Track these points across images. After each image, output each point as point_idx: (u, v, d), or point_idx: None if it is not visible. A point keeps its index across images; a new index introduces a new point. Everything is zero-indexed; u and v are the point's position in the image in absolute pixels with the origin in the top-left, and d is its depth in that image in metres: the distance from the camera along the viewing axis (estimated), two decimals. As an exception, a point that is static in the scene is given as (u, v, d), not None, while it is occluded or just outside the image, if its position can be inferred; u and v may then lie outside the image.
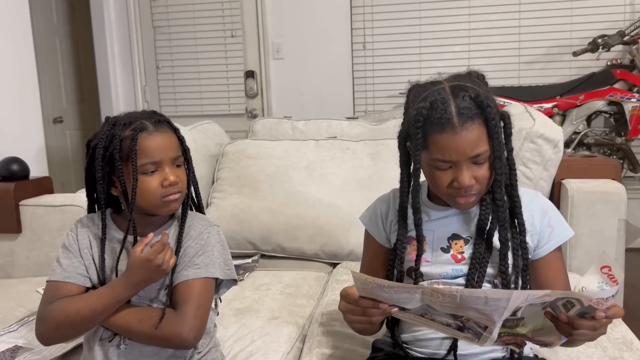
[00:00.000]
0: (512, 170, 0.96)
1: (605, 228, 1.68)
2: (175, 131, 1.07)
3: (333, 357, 1.22)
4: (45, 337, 1.03)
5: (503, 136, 0.93)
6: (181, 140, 1.07)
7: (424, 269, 1.00)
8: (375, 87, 3.73)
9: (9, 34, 2.37)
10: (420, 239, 0.99)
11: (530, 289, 0.99)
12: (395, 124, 2.10)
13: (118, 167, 1.00)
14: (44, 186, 2.02)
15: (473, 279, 0.96)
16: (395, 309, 0.83)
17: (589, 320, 0.80)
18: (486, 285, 0.98)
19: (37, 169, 2.34)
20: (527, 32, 3.49)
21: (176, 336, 0.99)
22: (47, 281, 1.06)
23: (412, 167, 0.98)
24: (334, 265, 1.88)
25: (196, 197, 1.16)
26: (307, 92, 3.76)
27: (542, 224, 1.01)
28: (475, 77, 0.96)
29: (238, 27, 3.79)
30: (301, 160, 1.99)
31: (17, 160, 1.98)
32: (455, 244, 1.00)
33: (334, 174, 1.94)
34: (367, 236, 1.14)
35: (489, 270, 0.98)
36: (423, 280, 1.01)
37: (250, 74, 3.82)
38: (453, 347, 0.98)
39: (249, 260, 1.89)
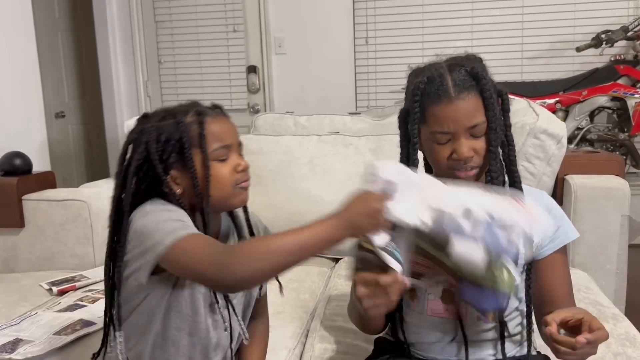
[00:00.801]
0: (510, 145, 0.96)
1: (609, 224, 1.67)
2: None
3: (336, 352, 1.22)
4: (246, 276, 0.78)
5: (500, 110, 0.94)
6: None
7: None
8: (378, 82, 3.72)
9: (12, 28, 2.37)
10: None
11: (531, 288, 0.99)
12: (396, 120, 2.09)
13: (188, 156, 0.88)
14: (47, 181, 2.02)
15: None
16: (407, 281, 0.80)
17: (569, 339, 0.79)
18: None
19: (40, 164, 2.34)
20: (530, 28, 3.47)
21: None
22: (184, 235, 0.82)
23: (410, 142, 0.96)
24: (337, 260, 1.88)
25: None
26: (309, 87, 3.76)
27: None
28: (472, 58, 0.96)
29: (240, 21, 3.78)
30: (304, 156, 1.98)
31: (20, 155, 1.98)
32: None
33: (337, 169, 1.94)
34: None
35: None
36: None
37: (252, 69, 3.82)
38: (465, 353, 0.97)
39: (252, 255, 1.89)
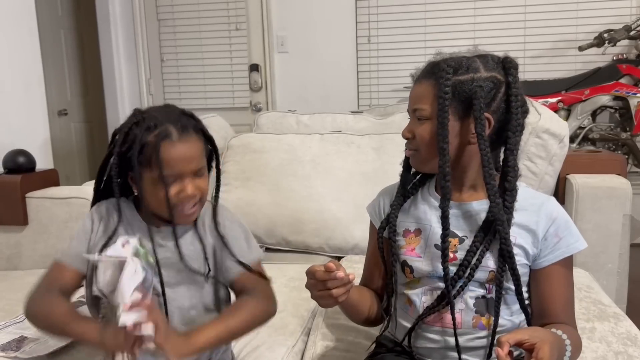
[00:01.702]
0: (508, 144, 0.94)
1: (610, 223, 1.68)
2: (204, 134, 1.00)
3: (337, 349, 1.23)
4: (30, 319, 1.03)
5: (456, 111, 0.92)
6: (210, 140, 1.02)
7: (414, 264, 0.99)
8: (380, 81, 3.72)
9: (15, 26, 2.37)
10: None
11: (530, 300, 0.97)
12: (400, 118, 2.10)
13: (136, 171, 0.94)
14: (50, 178, 2.03)
15: (461, 274, 0.93)
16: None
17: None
18: (475, 290, 0.95)
19: (43, 162, 2.35)
20: (532, 27, 3.47)
21: (265, 313, 1.04)
22: (54, 261, 1.04)
23: None
24: (339, 259, 1.88)
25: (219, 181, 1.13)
26: (311, 85, 3.76)
27: (548, 232, 0.94)
28: (490, 60, 0.94)
29: (243, 20, 3.78)
30: (306, 154, 1.99)
31: (23, 153, 1.99)
32: (450, 242, 0.96)
33: (339, 168, 1.95)
34: (371, 226, 1.14)
35: (480, 274, 0.94)
36: (413, 277, 0.99)
37: (254, 68, 3.82)
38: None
39: (254, 253, 1.90)
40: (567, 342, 0.87)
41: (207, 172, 1.03)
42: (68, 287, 1.03)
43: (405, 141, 1.00)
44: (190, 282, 1.03)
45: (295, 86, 3.80)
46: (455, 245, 0.96)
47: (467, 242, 0.95)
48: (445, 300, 0.94)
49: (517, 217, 0.94)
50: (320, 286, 0.89)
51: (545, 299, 0.95)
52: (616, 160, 1.85)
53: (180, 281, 1.03)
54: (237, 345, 1.27)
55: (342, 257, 1.87)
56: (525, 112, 0.97)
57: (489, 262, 0.93)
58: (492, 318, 0.94)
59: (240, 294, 1.06)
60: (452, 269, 0.94)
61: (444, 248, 0.93)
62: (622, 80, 3.09)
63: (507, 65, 0.93)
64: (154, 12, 3.90)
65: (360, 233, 1.84)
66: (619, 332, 1.21)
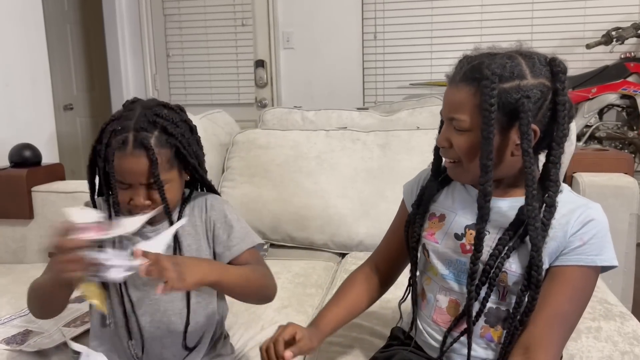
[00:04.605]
0: (551, 155, 0.87)
1: (617, 222, 1.67)
2: (152, 160, 0.95)
3: (340, 345, 1.23)
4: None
5: (503, 125, 0.84)
6: (153, 162, 0.96)
7: (430, 246, 0.98)
8: (386, 77, 3.71)
9: (21, 21, 2.38)
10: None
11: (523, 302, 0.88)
12: (406, 115, 2.09)
13: (101, 167, 1.00)
14: (56, 173, 2.04)
15: (484, 280, 0.88)
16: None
17: None
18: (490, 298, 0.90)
19: (48, 156, 2.35)
20: (539, 24, 3.45)
21: (274, 286, 1.08)
22: None
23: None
24: (343, 255, 1.88)
25: (205, 183, 1.13)
26: (316, 82, 3.75)
27: (575, 235, 0.86)
28: (537, 62, 0.87)
29: (249, 16, 3.78)
30: (311, 151, 1.98)
31: (29, 147, 1.99)
32: (470, 233, 0.92)
33: (344, 164, 1.94)
34: (402, 204, 1.12)
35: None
36: (429, 259, 0.99)
37: (260, 64, 3.82)
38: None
39: (258, 249, 1.90)
40: None
41: (176, 180, 1.02)
42: None
43: (441, 147, 0.93)
44: None
45: (300, 82, 3.79)
46: (473, 235, 0.90)
47: (488, 237, 0.89)
48: (464, 314, 0.91)
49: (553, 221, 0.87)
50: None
51: (540, 298, 0.86)
52: (623, 158, 1.84)
53: None
54: (240, 339, 1.27)
55: (347, 253, 1.87)
56: (572, 117, 0.89)
57: (512, 266, 0.87)
58: (504, 332, 0.88)
59: None
60: (467, 262, 0.89)
61: (472, 271, 0.88)
62: (630, 79, 3.07)
63: (555, 70, 0.85)
64: (160, 8, 3.90)
65: (365, 230, 1.84)
66: (625, 332, 1.20)
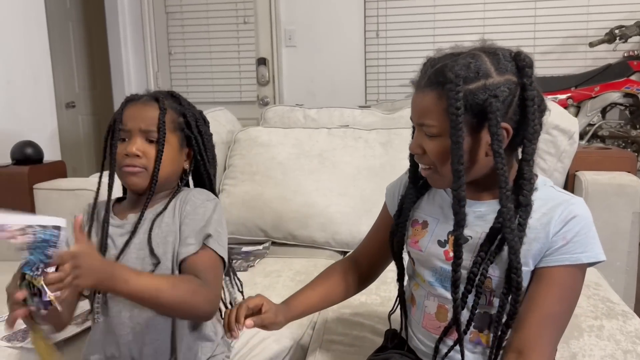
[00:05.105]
0: (524, 152, 0.85)
1: (619, 221, 1.66)
2: (162, 108, 1.00)
3: (342, 344, 1.22)
4: None
5: (471, 126, 0.82)
6: (161, 111, 1.00)
7: (414, 254, 0.97)
8: (388, 75, 3.71)
9: (23, 18, 2.38)
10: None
11: (508, 304, 0.85)
12: (408, 113, 2.08)
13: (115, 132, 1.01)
14: (58, 170, 2.04)
15: (469, 288, 0.86)
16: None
17: None
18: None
19: (50, 153, 2.36)
20: (542, 22, 3.44)
21: (205, 304, 0.94)
22: None
23: None
24: (344, 253, 1.88)
25: (209, 180, 1.11)
26: (318, 80, 3.75)
27: (558, 232, 0.84)
28: (502, 58, 0.84)
29: (250, 13, 3.78)
30: (313, 149, 1.98)
31: (31, 144, 1.99)
32: (451, 239, 0.90)
33: (346, 162, 1.94)
34: (384, 206, 1.11)
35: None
36: (414, 266, 0.98)
37: (262, 61, 3.81)
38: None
39: (260, 247, 1.90)
40: None
41: (174, 148, 1.02)
42: None
43: (415, 154, 0.92)
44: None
45: (302, 80, 3.79)
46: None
47: (471, 243, 0.87)
48: (453, 324, 0.89)
49: (532, 220, 0.85)
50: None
51: (523, 303, 0.85)
52: (626, 157, 1.83)
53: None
54: (242, 337, 1.27)
55: (348, 251, 1.86)
56: (543, 110, 0.86)
57: (494, 270, 0.86)
58: (492, 334, 0.87)
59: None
60: (449, 269, 0.87)
61: (455, 279, 0.86)
62: (633, 77, 3.06)
63: (520, 65, 0.83)
64: (162, 5, 3.90)
65: (366, 228, 1.81)
66: (627, 330, 1.20)
